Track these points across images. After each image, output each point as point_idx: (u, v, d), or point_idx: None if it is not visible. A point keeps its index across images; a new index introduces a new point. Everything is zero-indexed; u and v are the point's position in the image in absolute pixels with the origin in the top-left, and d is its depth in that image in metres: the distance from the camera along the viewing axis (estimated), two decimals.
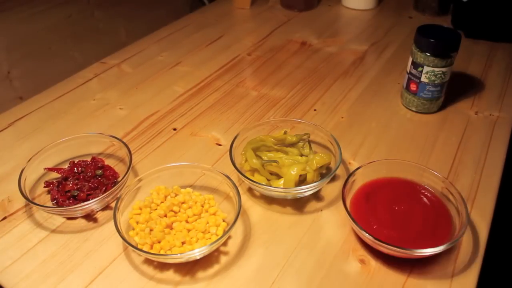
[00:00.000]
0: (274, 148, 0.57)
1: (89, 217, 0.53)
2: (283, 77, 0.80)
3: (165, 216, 0.50)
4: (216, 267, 0.47)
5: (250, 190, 0.56)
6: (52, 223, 0.52)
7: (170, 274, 0.46)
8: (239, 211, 0.48)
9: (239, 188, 0.51)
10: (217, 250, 0.49)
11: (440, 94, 0.68)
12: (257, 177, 0.54)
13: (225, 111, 0.71)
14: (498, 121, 0.68)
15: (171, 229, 0.49)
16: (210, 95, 0.75)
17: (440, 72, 0.64)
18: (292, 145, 0.58)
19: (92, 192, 0.54)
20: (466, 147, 0.62)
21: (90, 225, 0.52)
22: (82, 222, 0.53)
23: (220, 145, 0.64)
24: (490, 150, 0.62)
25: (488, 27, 0.89)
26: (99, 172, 0.56)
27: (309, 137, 0.58)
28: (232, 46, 0.91)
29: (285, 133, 0.58)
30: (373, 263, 0.47)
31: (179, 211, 0.51)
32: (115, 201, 0.50)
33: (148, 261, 0.48)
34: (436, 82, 0.65)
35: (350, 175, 0.51)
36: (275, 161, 0.54)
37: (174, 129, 0.67)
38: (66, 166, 0.58)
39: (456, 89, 0.73)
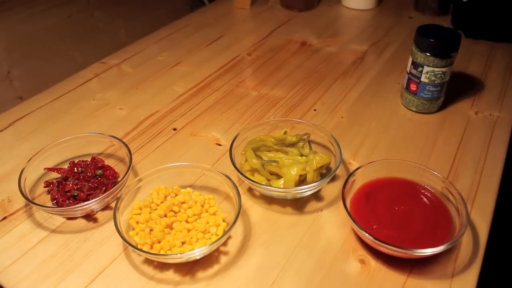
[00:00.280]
0: (274, 148, 0.57)
1: (89, 217, 0.53)
2: (283, 77, 0.80)
3: (165, 216, 0.50)
4: (216, 267, 0.47)
5: (250, 190, 0.56)
6: (52, 223, 0.52)
7: (170, 274, 0.46)
8: (239, 211, 0.48)
9: (239, 188, 0.51)
10: (217, 250, 0.49)
11: (440, 94, 0.68)
12: (257, 177, 0.54)
13: (225, 111, 0.71)
14: (498, 121, 0.68)
15: (171, 229, 0.49)
16: (210, 95, 0.75)
17: (440, 72, 0.64)
18: (292, 145, 0.58)
19: (92, 192, 0.54)
20: (466, 147, 0.62)
21: (90, 225, 0.52)
22: (82, 222, 0.53)
23: (220, 145, 0.64)
24: (490, 150, 0.62)
25: (488, 27, 0.89)
26: (99, 172, 0.56)
27: (309, 137, 0.58)
28: (232, 46, 0.91)
29: (285, 133, 0.58)
30: (373, 263, 0.47)
31: (179, 211, 0.51)
32: (115, 201, 0.50)
33: (148, 261, 0.48)
34: (436, 82, 0.65)
35: (350, 175, 0.51)
36: (275, 161, 0.54)
37: (174, 129, 0.67)
38: (66, 166, 0.58)
39: (456, 89, 0.73)
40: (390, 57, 0.86)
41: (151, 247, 0.47)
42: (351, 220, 0.46)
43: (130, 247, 0.46)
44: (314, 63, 0.84)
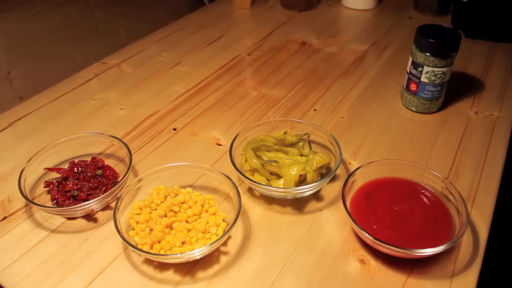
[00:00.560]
0: (274, 148, 0.57)
1: (89, 217, 0.53)
2: (283, 77, 0.80)
3: (165, 216, 0.50)
4: (216, 267, 0.47)
5: (250, 190, 0.56)
6: (52, 223, 0.52)
7: (170, 274, 0.46)
8: (239, 211, 0.48)
9: (239, 188, 0.51)
10: (217, 250, 0.49)
11: (440, 94, 0.68)
12: (257, 177, 0.54)
13: (225, 111, 0.71)
14: (498, 121, 0.68)
15: (171, 229, 0.49)
16: (210, 95, 0.75)
17: (440, 72, 0.64)
18: (292, 145, 0.58)
19: (92, 192, 0.54)
20: (466, 147, 0.62)
21: (90, 225, 0.52)
22: (82, 222, 0.53)
23: (220, 145, 0.64)
24: (490, 150, 0.62)
25: (488, 27, 0.89)
26: (99, 172, 0.56)
27: (309, 137, 0.58)
28: (232, 46, 0.91)
29: (285, 133, 0.58)
30: (373, 263, 0.47)
31: (179, 211, 0.51)
32: (115, 201, 0.50)
33: (148, 261, 0.48)
34: (436, 82, 0.65)
35: (350, 175, 0.51)
36: (275, 161, 0.54)
37: (174, 129, 0.67)
38: (66, 166, 0.58)
39: (456, 89, 0.73)
40: (390, 57, 0.86)
41: (151, 247, 0.47)
42: (351, 220, 0.46)
43: (130, 247, 0.46)
44: (314, 63, 0.84)
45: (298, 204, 0.54)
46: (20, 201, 0.55)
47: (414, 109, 0.70)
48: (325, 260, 0.48)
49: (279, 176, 0.54)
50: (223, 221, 0.50)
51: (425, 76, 0.65)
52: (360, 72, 0.81)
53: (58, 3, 1.03)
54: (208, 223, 0.49)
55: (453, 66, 0.65)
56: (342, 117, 0.69)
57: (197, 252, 0.45)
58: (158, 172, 0.54)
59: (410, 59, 0.67)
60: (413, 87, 0.68)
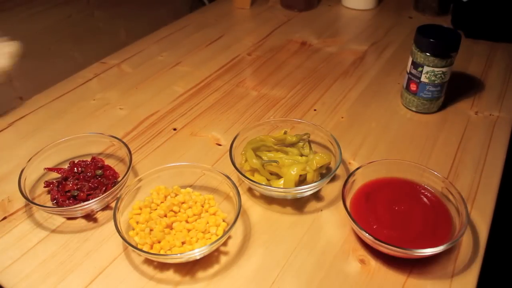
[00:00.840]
0: (274, 148, 0.57)
1: (89, 217, 0.53)
2: (283, 77, 0.80)
3: (165, 216, 0.50)
4: (216, 267, 0.47)
5: (250, 190, 0.56)
6: (52, 223, 0.52)
7: (170, 274, 0.46)
8: (239, 211, 0.48)
9: (239, 188, 0.51)
10: (217, 250, 0.49)
11: (440, 94, 0.68)
12: (257, 177, 0.54)
13: (225, 111, 0.71)
14: (498, 121, 0.68)
15: (171, 229, 0.49)
16: (210, 95, 0.75)
17: (440, 72, 0.64)
18: (292, 145, 0.58)
19: (92, 192, 0.54)
20: (466, 147, 0.62)
21: (90, 225, 0.52)
22: (82, 222, 0.53)
23: (220, 145, 0.64)
24: (490, 150, 0.62)
25: (488, 27, 0.89)
26: (99, 172, 0.56)
27: (309, 137, 0.58)
28: (232, 46, 0.91)
29: (285, 133, 0.58)
30: (373, 263, 0.47)
31: (179, 211, 0.51)
32: (115, 201, 0.50)
33: (148, 261, 0.48)
34: (436, 82, 0.65)
35: (350, 175, 0.51)
36: (275, 161, 0.54)
37: (174, 129, 0.67)
38: (66, 166, 0.58)
39: (456, 89, 0.73)
40: (390, 57, 0.86)
41: (151, 247, 0.47)
42: (351, 220, 0.46)
43: (130, 247, 0.46)
44: (314, 63, 0.84)
45: (298, 204, 0.54)
46: (20, 201, 0.55)
47: (414, 109, 0.70)
48: (325, 260, 0.48)
49: (279, 176, 0.54)
50: (223, 221, 0.50)
51: (425, 76, 0.65)
52: (360, 72, 0.81)
53: (58, 3, 1.03)
54: (208, 223, 0.49)
55: (453, 66, 0.65)
56: (342, 117, 0.69)
57: (197, 252, 0.45)
58: (158, 172, 0.54)
59: (410, 59, 0.67)
60: (413, 87, 0.68)
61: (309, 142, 0.58)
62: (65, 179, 0.56)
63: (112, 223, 0.49)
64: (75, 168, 0.57)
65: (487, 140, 0.64)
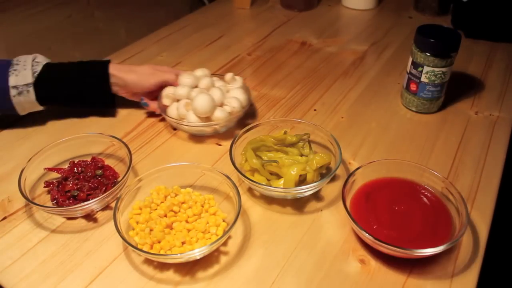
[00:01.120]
0: (274, 148, 0.57)
1: (89, 217, 0.53)
2: (283, 77, 0.80)
3: (165, 216, 0.50)
4: (216, 267, 0.47)
5: (250, 190, 0.56)
6: (52, 223, 0.52)
7: (170, 274, 0.46)
8: (239, 211, 0.48)
9: (239, 188, 0.51)
10: (217, 250, 0.49)
11: (440, 94, 0.68)
12: (257, 177, 0.54)
13: None
14: (498, 121, 0.68)
15: (171, 229, 0.49)
16: None
17: (440, 72, 0.64)
18: (292, 145, 0.58)
19: (92, 192, 0.54)
20: (466, 147, 0.62)
21: (90, 225, 0.52)
22: (82, 222, 0.53)
23: (220, 145, 0.64)
24: (490, 150, 0.62)
25: (488, 27, 0.89)
26: (99, 172, 0.56)
27: (309, 137, 0.58)
28: (232, 46, 0.91)
29: (285, 133, 0.58)
30: (373, 263, 0.47)
31: (179, 211, 0.51)
32: (115, 201, 0.50)
33: (148, 261, 0.48)
34: (436, 82, 0.65)
35: (350, 175, 0.51)
36: (275, 161, 0.54)
37: (174, 129, 0.67)
38: (66, 166, 0.58)
39: (456, 89, 0.73)
40: (390, 57, 0.86)
41: (151, 247, 0.47)
42: (351, 220, 0.46)
43: (130, 247, 0.46)
44: (314, 63, 0.84)
45: (298, 204, 0.54)
46: (20, 201, 0.55)
47: (414, 109, 0.70)
48: (325, 260, 0.48)
49: (279, 176, 0.54)
50: (223, 221, 0.50)
51: (425, 76, 0.65)
52: (360, 72, 0.81)
53: (58, 3, 1.03)
54: (208, 223, 0.49)
55: (453, 66, 0.65)
56: (342, 117, 0.69)
57: (197, 252, 0.45)
58: (158, 172, 0.54)
59: (410, 59, 0.67)
60: (413, 87, 0.68)
61: (309, 142, 0.58)
62: (65, 179, 0.56)
63: (112, 223, 0.49)
64: (75, 168, 0.57)
65: (487, 140, 0.64)
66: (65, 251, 0.49)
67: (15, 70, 0.61)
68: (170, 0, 1.33)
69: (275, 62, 0.85)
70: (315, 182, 0.52)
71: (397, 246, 0.43)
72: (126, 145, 0.57)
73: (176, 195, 0.52)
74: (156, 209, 0.51)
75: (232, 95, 0.64)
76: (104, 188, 0.54)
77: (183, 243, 0.47)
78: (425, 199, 0.51)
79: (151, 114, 0.70)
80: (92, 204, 0.51)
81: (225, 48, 0.90)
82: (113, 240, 0.50)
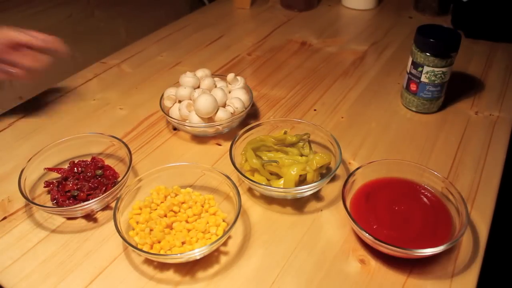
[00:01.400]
0: (274, 148, 0.57)
1: (89, 217, 0.53)
2: (283, 77, 0.80)
3: (165, 216, 0.50)
4: (216, 267, 0.47)
5: (250, 190, 0.56)
6: (52, 223, 0.52)
7: (170, 274, 0.46)
8: (239, 211, 0.48)
9: (239, 188, 0.51)
10: (217, 250, 0.49)
11: (440, 94, 0.68)
12: (257, 177, 0.54)
13: None
14: (498, 121, 0.68)
15: (171, 229, 0.49)
16: None
17: (440, 72, 0.64)
18: (292, 145, 0.58)
19: (92, 192, 0.54)
20: (466, 147, 0.62)
21: (90, 225, 0.52)
22: (82, 222, 0.53)
23: (220, 145, 0.64)
24: (490, 150, 0.62)
25: (488, 27, 0.89)
26: (99, 172, 0.56)
27: (309, 137, 0.58)
28: (232, 46, 0.91)
29: (285, 133, 0.58)
30: (373, 263, 0.47)
31: (179, 211, 0.51)
32: (115, 201, 0.50)
33: (148, 261, 0.48)
34: (436, 82, 0.65)
35: (350, 175, 0.51)
36: (275, 161, 0.54)
37: (174, 129, 0.67)
38: (66, 166, 0.58)
39: (456, 89, 0.73)
40: (390, 57, 0.86)
41: (151, 247, 0.47)
42: (351, 220, 0.46)
43: (130, 247, 0.46)
44: (314, 63, 0.84)
45: (298, 204, 0.54)
46: (20, 201, 0.55)
47: (414, 109, 0.70)
48: (325, 260, 0.48)
49: (279, 176, 0.54)
50: (223, 221, 0.50)
51: (425, 76, 0.65)
52: (360, 72, 0.81)
53: (58, 3, 1.03)
54: (208, 223, 0.49)
55: (453, 66, 0.65)
56: (342, 117, 0.69)
57: (197, 252, 0.45)
58: (158, 172, 0.54)
59: (410, 59, 0.67)
60: (413, 87, 0.68)
61: (309, 142, 0.58)
62: (65, 179, 0.56)
63: (112, 223, 0.49)
64: (75, 168, 0.57)
65: (487, 140, 0.64)
66: (65, 251, 0.49)
67: None
68: (170, 0, 1.33)
69: (275, 62, 0.85)
70: (315, 182, 0.52)
71: (397, 246, 0.43)
72: (126, 145, 0.57)
73: (176, 195, 0.52)
74: (156, 209, 0.51)
75: (234, 95, 0.64)
76: (104, 188, 0.54)
77: (183, 243, 0.47)
78: (425, 199, 0.51)
79: (151, 114, 0.70)
80: (92, 204, 0.51)
81: (225, 48, 0.90)
82: (113, 240, 0.50)
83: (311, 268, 0.47)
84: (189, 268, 0.47)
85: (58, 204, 0.53)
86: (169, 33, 0.96)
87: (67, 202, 0.53)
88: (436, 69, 0.64)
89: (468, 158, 0.60)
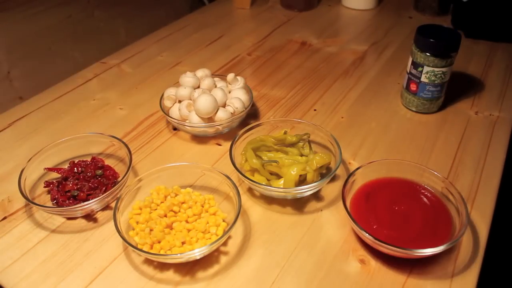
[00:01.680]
0: (274, 148, 0.57)
1: (89, 217, 0.53)
2: (283, 77, 0.80)
3: (165, 216, 0.50)
4: (216, 267, 0.47)
5: (250, 190, 0.56)
6: (52, 223, 0.52)
7: (170, 274, 0.46)
8: (239, 211, 0.48)
9: (239, 188, 0.51)
10: (217, 250, 0.49)
11: (440, 94, 0.68)
12: (257, 177, 0.54)
13: None
14: (498, 121, 0.68)
15: (171, 229, 0.49)
16: None
17: (440, 72, 0.64)
18: (292, 145, 0.58)
19: (92, 192, 0.54)
20: (466, 147, 0.62)
21: (90, 225, 0.52)
22: (82, 222, 0.53)
23: (220, 145, 0.64)
24: (490, 150, 0.62)
25: (488, 27, 0.89)
26: (99, 172, 0.56)
27: (309, 137, 0.58)
28: (232, 46, 0.91)
29: (285, 133, 0.58)
30: (373, 263, 0.47)
31: (179, 211, 0.51)
32: (115, 201, 0.50)
33: (148, 261, 0.48)
34: (436, 82, 0.65)
35: (350, 175, 0.51)
36: (275, 161, 0.54)
37: (174, 129, 0.67)
38: (66, 166, 0.58)
39: (456, 89, 0.73)
40: (390, 57, 0.86)
41: (151, 247, 0.47)
42: (351, 220, 0.46)
43: (130, 247, 0.46)
44: (314, 63, 0.85)
45: (298, 204, 0.54)
46: (20, 201, 0.55)
47: (414, 109, 0.70)
48: (325, 260, 0.48)
49: (279, 176, 0.54)
50: (223, 221, 0.50)
51: (425, 76, 0.65)
52: (360, 72, 0.81)
53: (58, 3, 1.03)
54: (208, 223, 0.49)
55: (453, 66, 0.65)
56: (342, 117, 0.69)
57: (197, 252, 0.45)
58: (158, 172, 0.54)
59: (410, 59, 0.67)
60: (413, 87, 0.68)
61: (309, 142, 0.58)
62: (65, 179, 0.56)
63: (112, 223, 0.49)
64: (75, 168, 0.57)
65: (487, 140, 0.64)
66: (65, 251, 0.49)
67: None
68: (170, 0, 1.33)
69: (275, 62, 0.85)
70: (315, 182, 0.52)
71: (397, 246, 0.43)
72: (126, 145, 0.57)
73: (176, 195, 0.52)
74: (156, 209, 0.51)
75: (234, 95, 0.64)
76: (104, 188, 0.54)
77: (183, 243, 0.47)
78: (425, 199, 0.51)
79: (151, 114, 0.70)
80: (92, 204, 0.51)
81: (225, 48, 0.90)
82: (113, 240, 0.50)
83: (311, 268, 0.47)
84: (189, 268, 0.47)
85: (58, 204, 0.53)
86: (169, 33, 0.97)
87: (67, 202, 0.53)
88: (436, 69, 0.64)
89: (468, 158, 0.60)
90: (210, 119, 0.62)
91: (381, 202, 0.50)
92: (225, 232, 0.46)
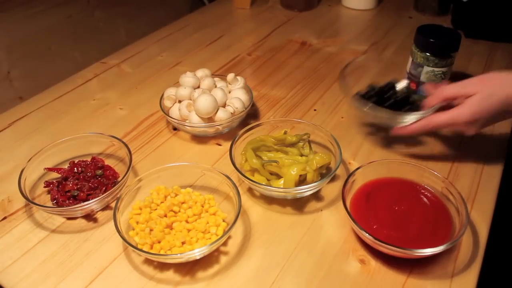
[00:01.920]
0: (274, 148, 0.57)
1: (89, 217, 0.53)
2: (283, 77, 0.80)
3: (165, 216, 0.50)
4: (216, 267, 0.47)
5: (250, 190, 0.56)
6: (52, 223, 0.52)
7: (170, 274, 0.46)
8: (239, 211, 0.48)
9: (239, 188, 0.51)
10: (217, 250, 0.49)
11: None
12: (257, 177, 0.54)
13: None
14: None
15: (171, 229, 0.49)
16: None
17: (440, 72, 0.64)
18: (292, 145, 0.58)
19: (92, 192, 0.54)
20: (466, 147, 0.62)
21: (90, 225, 0.52)
22: (82, 222, 0.53)
23: (220, 145, 0.64)
24: (490, 150, 0.62)
25: (488, 27, 0.89)
26: (99, 172, 0.56)
27: (309, 137, 0.58)
28: (232, 46, 0.91)
29: (285, 133, 0.58)
30: (373, 263, 0.47)
31: (179, 211, 0.51)
32: (115, 201, 0.50)
33: (148, 261, 0.48)
34: (436, 82, 0.65)
35: (350, 175, 0.51)
36: (275, 161, 0.54)
37: (174, 129, 0.67)
38: (66, 166, 0.58)
39: None
40: (390, 57, 0.86)
41: (151, 247, 0.47)
42: (351, 220, 0.46)
43: (130, 247, 0.46)
44: (314, 63, 0.84)
45: (298, 204, 0.54)
46: (20, 201, 0.55)
47: None
48: (325, 260, 0.48)
49: (279, 176, 0.54)
50: (223, 221, 0.50)
51: (425, 76, 0.65)
52: (360, 72, 0.81)
53: (58, 3, 1.03)
54: (208, 223, 0.49)
55: (453, 66, 0.65)
56: (342, 117, 0.69)
57: (197, 252, 0.45)
58: (158, 172, 0.54)
59: (410, 59, 0.67)
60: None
61: (309, 142, 0.58)
62: (65, 179, 0.56)
63: (112, 223, 0.49)
64: (75, 168, 0.57)
65: (487, 140, 0.64)
66: (65, 251, 0.49)
67: None
68: (170, 0, 1.33)
69: (275, 62, 0.85)
70: (315, 182, 0.52)
71: (397, 246, 0.43)
72: (126, 145, 0.57)
73: (176, 195, 0.52)
74: (156, 209, 0.51)
75: (234, 95, 0.64)
76: (104, 188, 0.54)
77: (183, 243, 0.47)
78: (425, 199, 0.51)
79: (151, 114, 0.70)
80: (92, 204, 0.51)
81: (225, 48, 0.90)
82: (113, 240, 0.50)
83: (311, 268, 0.47)
84: (189, 268, 0.47)
85: (58, 204, 0.53)
86: (169, 33, 0.96)
87: (67, 202, 0.53)
88: (436, 69, 0.64)
89: (468, 158, 0.60)
90: (210, 119, 0.62)
91: (381, 202, 0.50)
92: (225, 232, 0.46)
